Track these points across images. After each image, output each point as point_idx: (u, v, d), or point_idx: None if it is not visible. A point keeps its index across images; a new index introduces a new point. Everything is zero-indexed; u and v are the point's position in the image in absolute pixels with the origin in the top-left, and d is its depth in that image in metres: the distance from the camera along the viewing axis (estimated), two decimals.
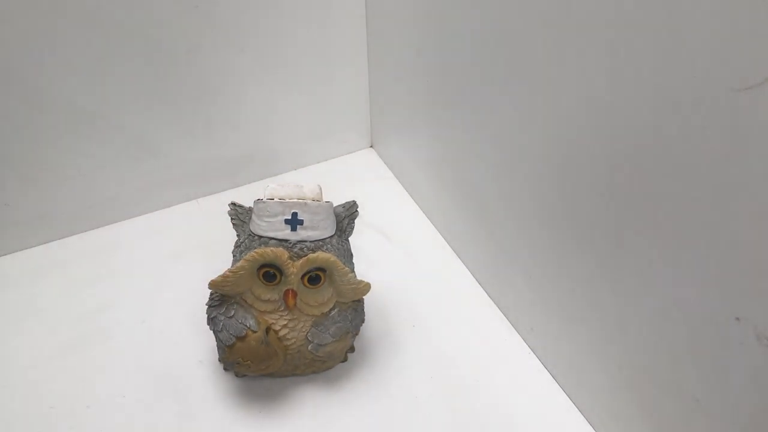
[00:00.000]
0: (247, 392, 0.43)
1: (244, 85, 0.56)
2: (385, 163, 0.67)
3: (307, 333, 0.40)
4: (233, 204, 0.43)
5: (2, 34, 0.44)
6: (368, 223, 0.58)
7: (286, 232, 0.38)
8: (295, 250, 0.38)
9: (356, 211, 0.43)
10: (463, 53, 0.43)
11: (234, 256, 0.41)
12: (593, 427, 0.41)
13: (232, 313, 0.38)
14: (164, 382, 0.44)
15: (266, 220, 0.38)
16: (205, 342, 0.46)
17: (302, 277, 0.38)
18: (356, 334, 0.43)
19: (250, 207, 0.42)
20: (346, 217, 0.43)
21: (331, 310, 0.40)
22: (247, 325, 0.38)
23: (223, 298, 0.39)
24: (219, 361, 0.44)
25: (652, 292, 0.32)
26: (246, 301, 0.39)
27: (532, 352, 0.46)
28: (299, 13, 0.54)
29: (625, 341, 0.35)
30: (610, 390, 0.38)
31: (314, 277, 0.38)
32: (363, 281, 0.40)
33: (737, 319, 0.27)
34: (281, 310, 0.39)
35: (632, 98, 0.29)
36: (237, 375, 0.44)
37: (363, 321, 0.43)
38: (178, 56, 0.51)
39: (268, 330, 0.39)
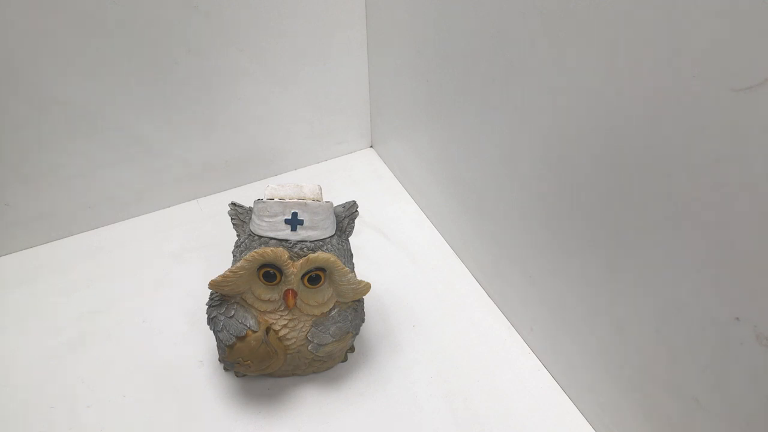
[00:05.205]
0: (247, 392, 0.43)
1: (244, 85, 0.56)
2: (385, 163, 0.67)
3: (307, 333, 0.40)
4: (233, 204, 0.43)
5: (2, 34, 0.44)
6: (368, 223, 0.58)
7: (286, 232, 0.38)
8: (295, 250, 0.38)
9: (356, 211, 0.43)
10: (462, 53, 0.43)
11: (234, 256, 0.41)
12: (593, 427, 0.41)
13: (233, 313, 0.38)
14: (164, 382, 0.44)
15: (266, 220, 0.38)
16: (205, 342, 0.46)
17: (302, 277, 0.38)
18: (356, 334, 0.43)
19: (250, 207, 0.42)
20: (346, 217, 0.43)
21: (331, 310, 0.40)
22: (248, 325, 0.38)
23: (223, 298, 0.39)
24: (219, 361, 0.44)
25: (652, 292, 0.32)
26: (246, 301, 0.39)
27: (532, 352, 0.46)
28: (299, 13, 0.54)
29: (625, 341, 0.35)
30: (610, 390, 0.38)
31: (314, 277, 0.38)
32: (363, 281, 0.40)
33: (737, 319, 0.27)
34: (281, 310, 0.39)
35: (632, 98, 0.29)
36: (237, 375, 0.44)
37: (363, 321, 0.43)
38: (178, 56, 0.51)
39: (268, 330, 0.39)
